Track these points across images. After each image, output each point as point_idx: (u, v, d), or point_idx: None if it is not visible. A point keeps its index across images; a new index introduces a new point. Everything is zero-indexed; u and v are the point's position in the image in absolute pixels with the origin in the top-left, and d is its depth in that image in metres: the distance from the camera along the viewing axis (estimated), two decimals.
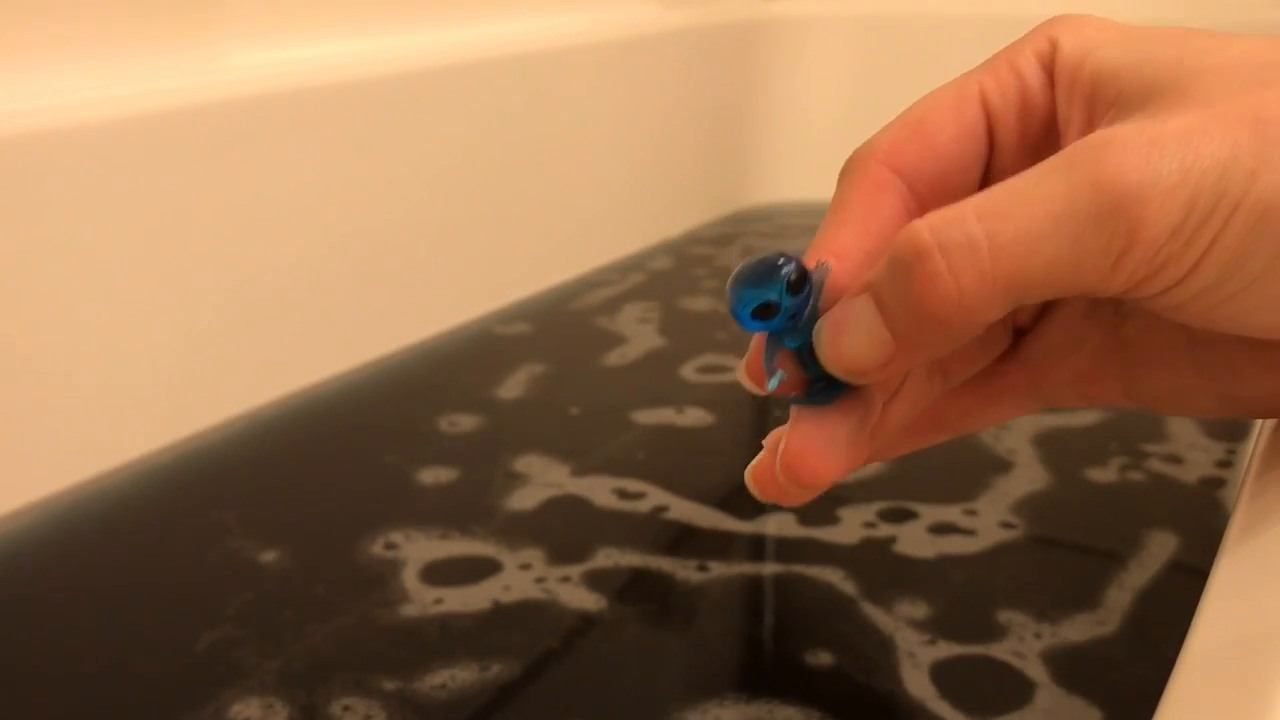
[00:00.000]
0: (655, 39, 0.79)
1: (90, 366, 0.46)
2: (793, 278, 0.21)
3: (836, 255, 0.23)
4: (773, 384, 0.23)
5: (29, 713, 0.34)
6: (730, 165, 0.90)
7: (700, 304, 0.69)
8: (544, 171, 0.69)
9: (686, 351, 0.60)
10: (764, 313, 0.22)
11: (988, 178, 0.25)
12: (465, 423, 0.52)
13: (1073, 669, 0.34)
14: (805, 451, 0.22)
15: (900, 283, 0.20)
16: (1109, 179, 0.19)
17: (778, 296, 0.21)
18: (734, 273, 0.22)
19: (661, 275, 0.75)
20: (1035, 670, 0.34)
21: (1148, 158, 0.19)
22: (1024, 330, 0.27)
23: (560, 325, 0.66)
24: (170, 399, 0.49)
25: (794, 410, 0.23)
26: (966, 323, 0.20)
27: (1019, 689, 0.33)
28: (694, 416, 0.52)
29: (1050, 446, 0.48)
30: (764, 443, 0.24)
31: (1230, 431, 0.49)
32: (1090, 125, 0.22)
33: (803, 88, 0.91)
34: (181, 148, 0.48)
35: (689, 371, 0.58)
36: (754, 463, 0.24)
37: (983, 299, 0.20)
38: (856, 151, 0.25)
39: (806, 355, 0.22)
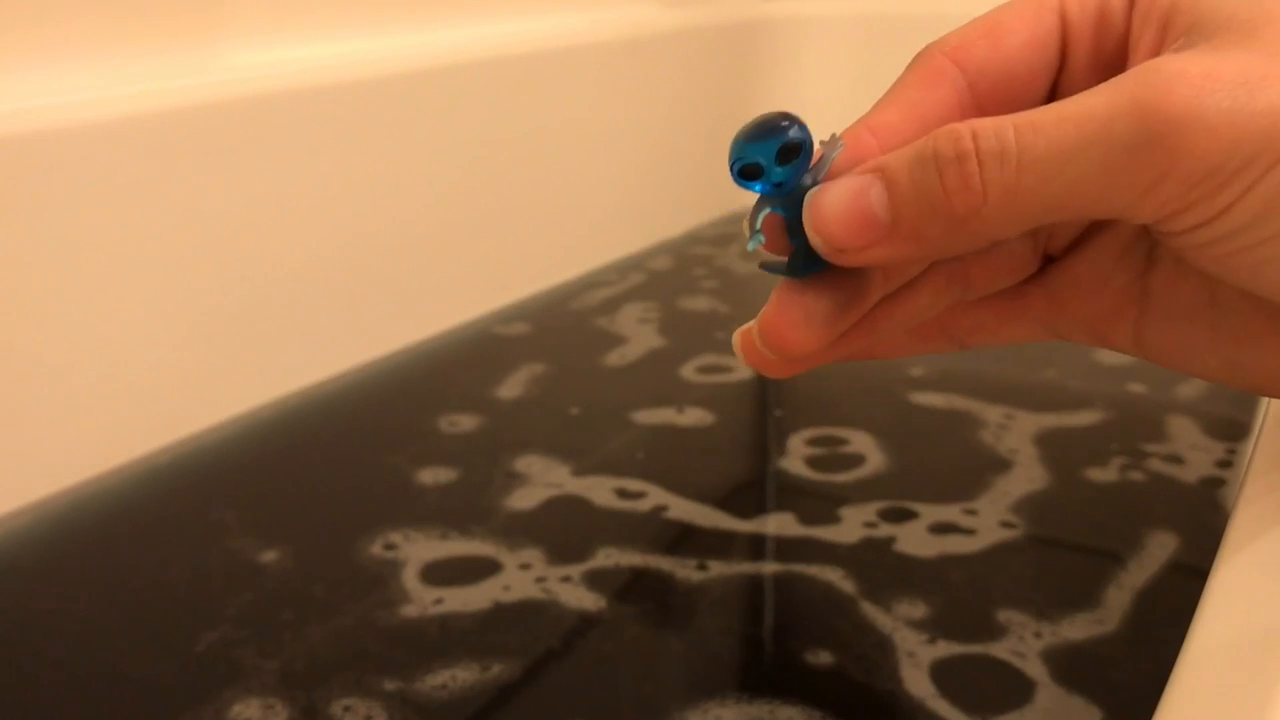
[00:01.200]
0: (655, 39, 0.79)
1: (90, 366, 0.46)
2: (787, 144, 0.21)
3: (875, 131, 0.23)
4: (752, 244, 0.23)
5: (28, 713, 0.34)
6: None
7: (700, 304, 0.69)
8: (544, 171, 0.69)
9: (686, 351, 0.60)
10: (753, 173, 0.21)
11: (1056, 92, 0.24)
12: (465, 423, 0.52)
13: (1073, 668, 0.34)
14: (779, 320, 0.23)
15: (929, 175, 0.20)
16: (1153, 105, 0.18)
17: (766, 161, 0.21)
18: (744, 124, 0.21)
19: (661, 275, 0.75)
20: (1035, 669, 0.34)
21: (1199, 90, 0.18)
22: (1053, 258, 0.26)
23: (560, 325, 0.66)
24: (170, 399, 0.49)
25: (781, 280, 0.23)
26: (980, 233, 0.20)
27: (1019, 688, 0.33)
28: (694, 416, 0.52)
29: (1051, 446, 0.48)
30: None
31: (1230, 431, 0.49)
32: (1158, 50, 0.22)
33: (802, 88, 0.91)
34: (181, 148, 0.48)
35: (689, 371, 0.58)
36: (740, 329, 0.24)
37: (1003, 213, 0.20)
38: (928, 46, 0.24)
39: (793, 224, 0.22)
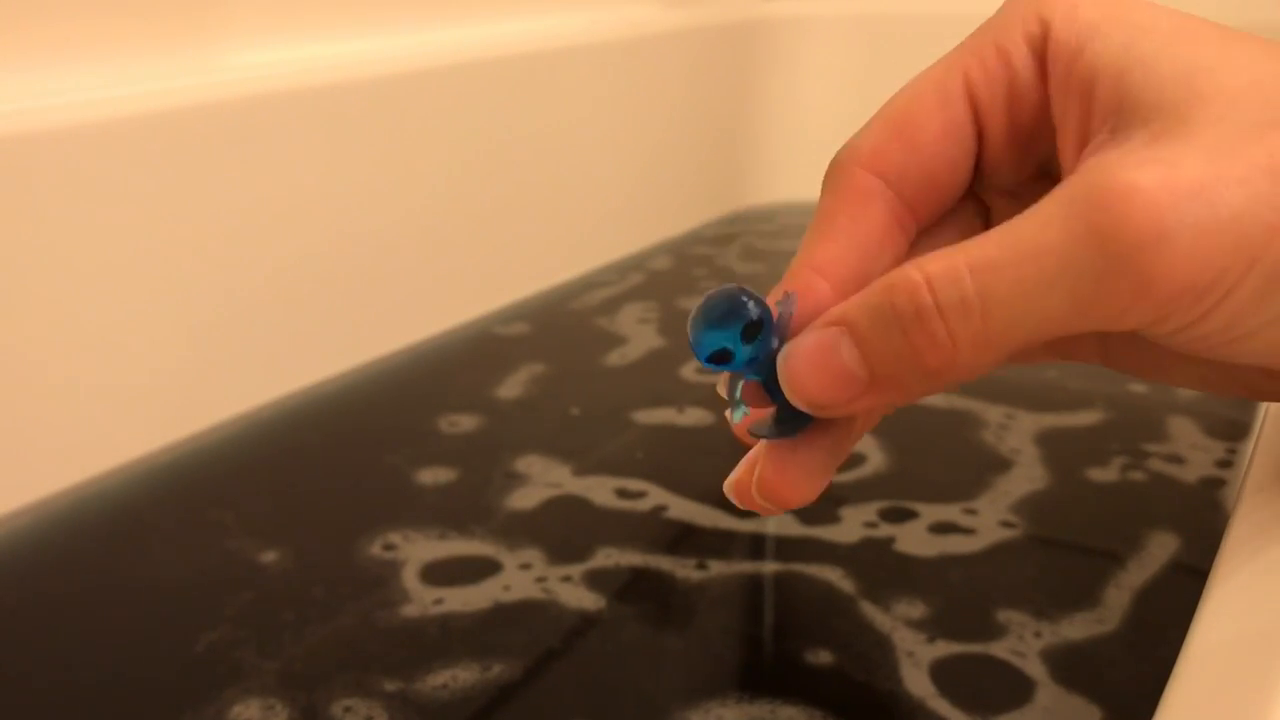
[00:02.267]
0: (655, 39, 0.79)
1: (90, 366, 0.46)
2: (750, 320, 0.21)
3: (822, 270, 0.22)
4: (737, 417, 0.23)
5: (28, 713, 0.34)
6: (730, 165, 0.90)
7: None
8: (544, 171, 0.69)
9: (686, 352, 0.60)
10: (721, 358, 0.21)
11: (979, 171, 0.24)
12: (465, 423, 0.52)
13: (1072, 668, 0.34)
14: (780, 482, 0.22)
15: (894, 334, 0.19)
16: (1112, 231, 0.18)
17: (733, 344, 0.21)
18: (695, 309, 0.21)
19: (661, 275, 0.75)
20: (1035, 669, 0.34)
21: (1159, 207, 0.18)
22: None
23: (560, 325, 0.66)
24: (170, 399, 0.49)
25: (766, 443, 0.23)
26: (958, 378, 0.20)
27: (1019, 688, 0.33)
28: (694, 416, 0.52)
29: (1051, 446, 0.48)
30: (742, 459, 0.24)
31: (1230, 431, 0.49)
32: (1086, 126, 0.21)
33: (802, 88, 0.91)
34: (181, 148, 0.48)
35: (689, 372, 0.58)
36: (731, 477, 0.24)
37: (976, 359, 0.19)
38: (838, 156, 0.24)
39: (772, 386, 0.22)
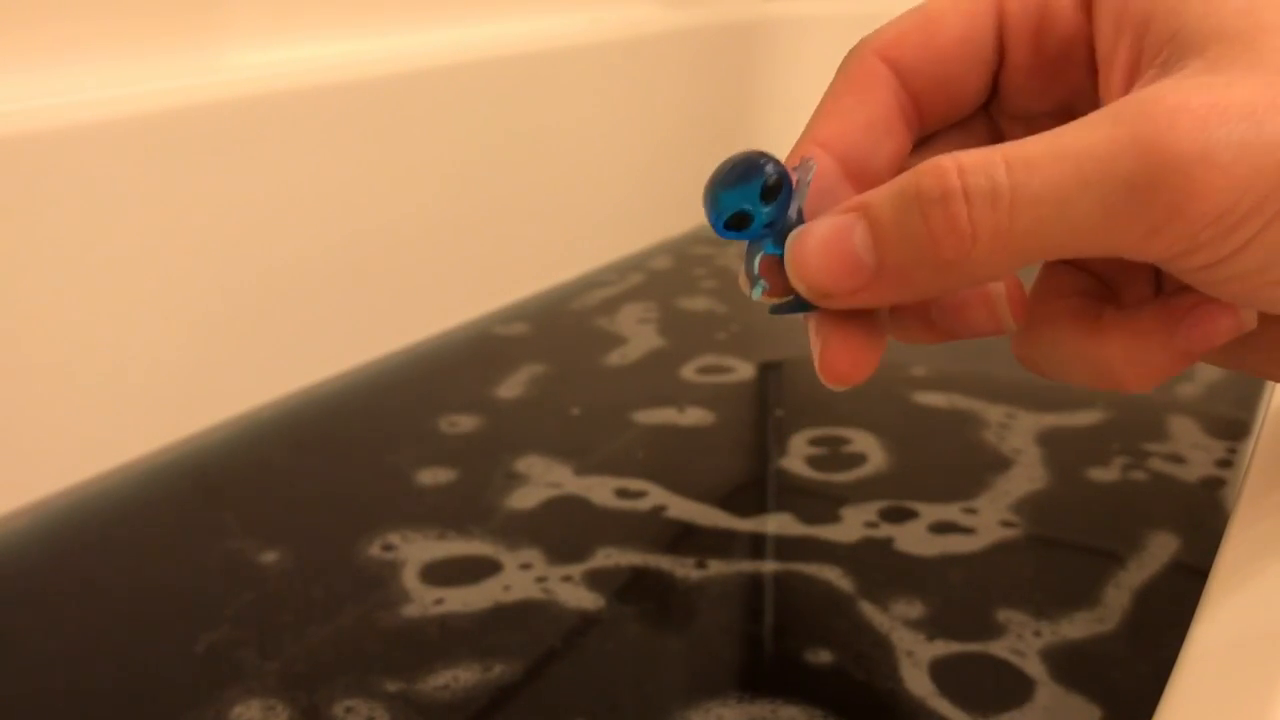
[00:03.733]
0: (655, 39, 0.79)
1: (90, 366, 0.46)
2: (769, 182, 0.20)
3: (825, 145, 0.22)
4: (756, 293, 0.22)
5: (28, 714, 0.34)
6: None
7: (700, 304, 0.69)
8: (544, 171, 0.69)
9: (686, 352, 0.60)
10: (739, 222, 0.20)
11: (996, 92, 0.24)
12: (465, 423, 0.52)
13: (1072, 667, 0.34)
14: (837, 361, 0.21)
15: (913, 217, 0.19)
16: (1158, 143, 0.17)
17: (752, 205, 0.20)
18: (711, 175, 0.20)
19: (661, 275, 0.75)
20: (1034, 668, 0.34)
21: (1205, 124, 0.17)
22: None
23: (560, 325, 0.66)
24: (170, 399, 0.49)
25: (812, 319, 0.22)
26: (969, 275, 0.19)
27: (1018, 687, 0.33)
28: (695, 416, 0.52)
29: (1052, 445, 0.48)
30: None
31: (1230, 431, 0.49)
32: (1137, 62, 0.20)
33: (802, 88, 0.91)
34: (181, 148, 0.48)
35: (689, 372, 0.58)
36: (822, 357, 0.22)
37: (994, 256, 0.18)
38: (859, 42, 0.23)
39: None
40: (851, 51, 0.23)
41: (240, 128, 0.50)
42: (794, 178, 0.21)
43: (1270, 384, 0.48)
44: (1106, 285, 0.23)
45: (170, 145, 0.48)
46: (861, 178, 0.23)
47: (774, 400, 0.55)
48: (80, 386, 0.46)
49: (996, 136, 0.25)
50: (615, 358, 0.60)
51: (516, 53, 0.66)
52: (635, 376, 0.58)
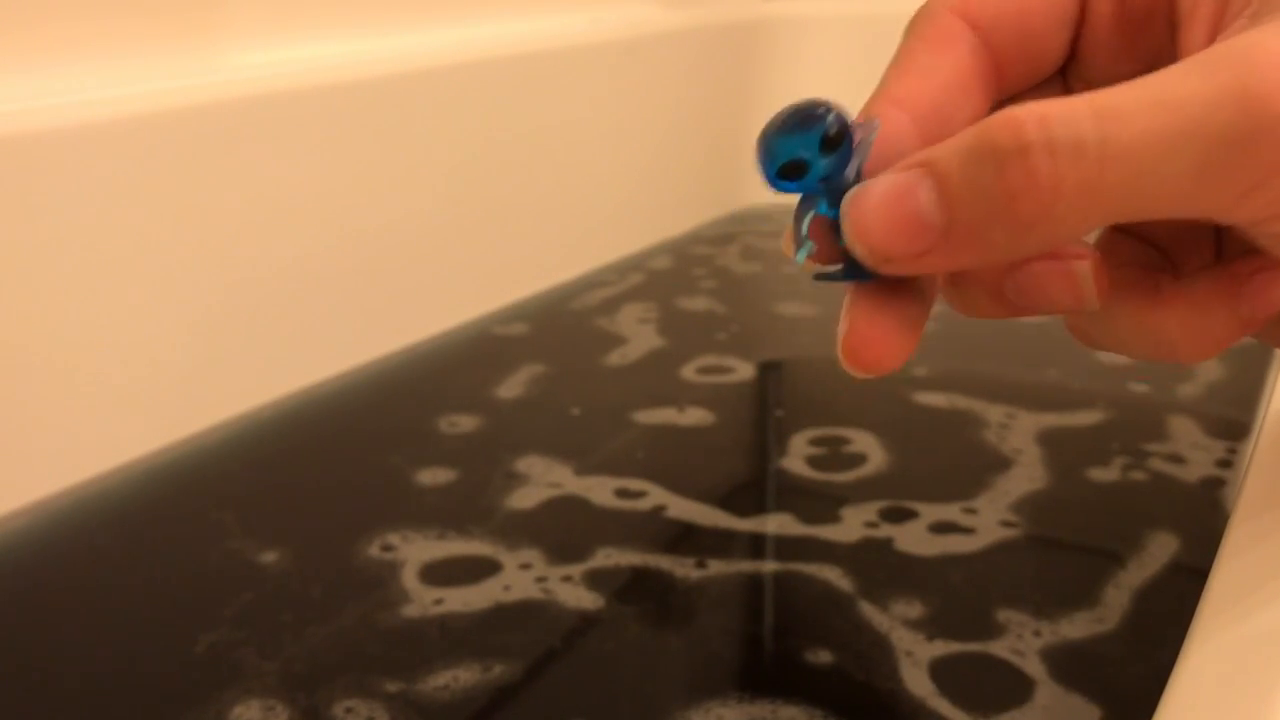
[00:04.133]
0: (655, 39, 0.79)
1: (90, 366, 0.46)
2: (830, 132, 0.18)
3: (900, 103, 0.20)
4: (800, 256, 0.20)
5: (28, 714, 0.34)
6: (730, 165, 0.90)
7: (700, 304, 0.69)
8: (544, 171, 0.69)
9: (686, 352, 0.60)
10: (794, 171, 0.19)
11: (1076, 52, 0.22)
12: (465, 423, 0.52)
13: (1072, 666, 0.34)
14: (867, 339, 0.20)
15: (986, 172, 0.17)
16: (1262, 94, 0.16)
17: (810, 154, 0.18)
18: (768, 122, 0.19)
19: (661, 275, 0.75)
20: (1034, 668, 0.34)
21: None
22: None
23: (560, 325, 0.66)
24: (170, 399, 0.49)
25: (849, 292, 0.20)
26: (1048, 234, 0.17)
27: (1018, 686, 0.33)
28: (695, 416, 0.52)
29: (1052, 445, 0.48)
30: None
31: (1230, 431, 0.49)
32: (1221, 15, 0.19)
33: (802, 88, 0.91)
34: (181, 148, 0.48)
35: (689, 372, 0.58)
36: (846, 336, 0.20)
37: (1079, 211, 0.17)
38: (927, 3, 0.22)
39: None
40: (923, 10, 0.22)
41: (240, 128, 0.50)
42: (856, 136, 0.19)
43: (1270, 384, 0.49)
44: (1163, 253, 0.22)
45: (170, 145, 0.48)
46: (937, 141, 0.21)
47: (774, 400, 0.55)
48: (80, 386, 0.46)
49: None
50: (615, 358, 0.60)
51: (516, 53, 0.66)
52: (635, 376, 0.58)
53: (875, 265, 0.19)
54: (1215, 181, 0.16)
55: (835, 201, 0.19)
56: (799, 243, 0.20)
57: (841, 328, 0.20)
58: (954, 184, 0.17)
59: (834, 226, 0.19)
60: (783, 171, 0.19)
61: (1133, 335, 0.21)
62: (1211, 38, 0.20)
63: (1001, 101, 0.23)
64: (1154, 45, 0.22)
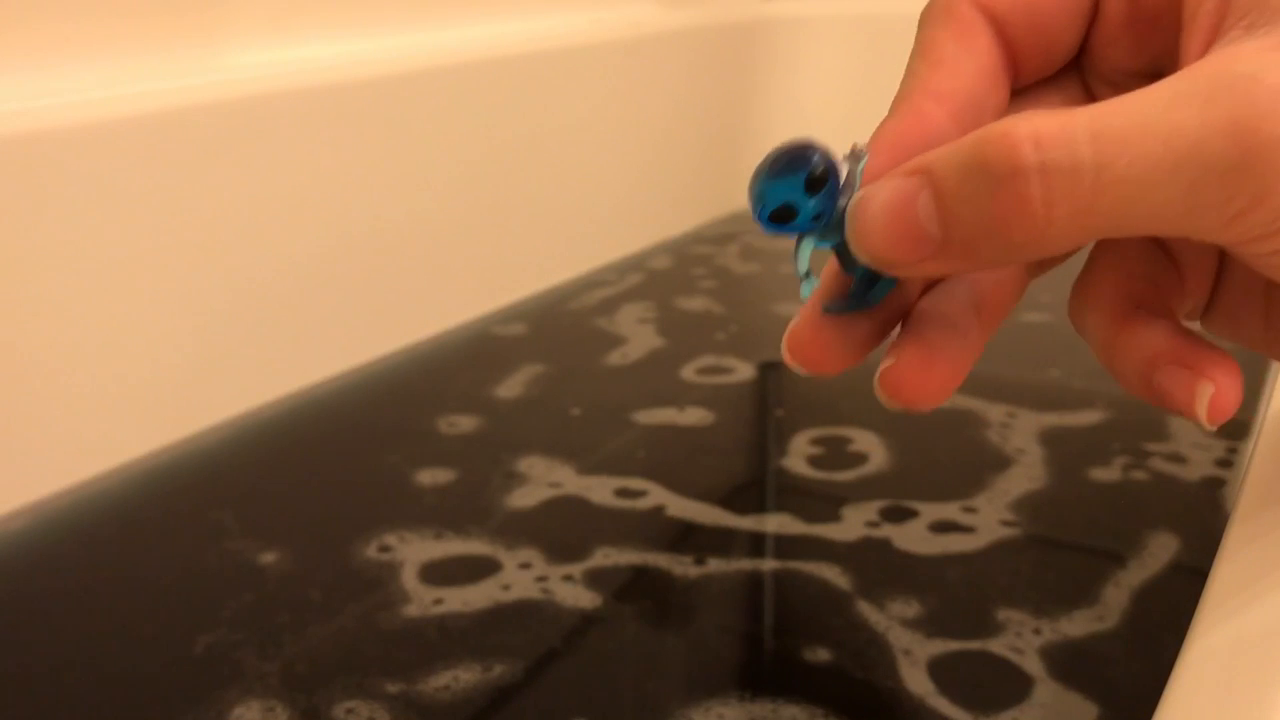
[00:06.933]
0: (655, 39, 0.79)
1: (90, 366, 0.46)
2: (816, 173, 0.19)
3: (937, 97, 0.21)
4: (807, 290, 0.20)
5: (28, 714, 0.34)
6: (730, 165, 0.90)
7: (699, 304, 0.69)
8: (544, 171, 0.69)
9: (686, 352, 0.60)
10: (785, 215, 0.19)
11: (1088, 46, 0.23)
12: (464, 423, 0.52)
13: (1071, 665, 0.34)
14: (909, 381, 0.20)
15: (980, 189, 0.17)
16: (1253, 127, 0.16)
17: (797, 197, 0.19)
18: (757, 167, 0.19)
19: (661, 275, 0.75)
20: (1034, 666, 0.34)
21: None
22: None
23: (559, 326, 0.66)
24: (170, 399, 0.49)
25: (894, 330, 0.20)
26: (1040, 251, 0.18)
27: (1017, 685, 0.33)
28: (695, 416, 0.52)
29: (1053, 445, 0.48)
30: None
31: (1231, 431, 0.49)
32: (1222, 19, 0.20)
33: (802, 88, 0.91)
34: (181, 148, 0.48)
35: (689, 372, 0.58)
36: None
37: (1069, 233, 0.17)
38: None
39: (844, 253, 0.20)
40: (934, 3, 0.22)
41: (240, 128, 0.50)
42: (843, 169, 0.20)
43: (1270, 384, 0.48)
44: (1169, 254, 0.22)
45: (170, 145, 0.48)
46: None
47: (774, 400, 0.55)
48: (80, 386, 0.46)
49: (1089, 97, 0.24)
50: (615, 358, 0.60)
51: (516, 53, 0.66)
52: (635, 376, 0.58)
53: (880, 269, 0.19)
54: (1202, 208, 0.17)
55: (831, 233, 0.20)
56: (803, 278, 0.20)
57: (885, 361, 0.21)
58: (950, 198, 0.18)
59: (832, 259, 0.20)
60: (774, 216, 0.19)
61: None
62: (1210, 40, 0.20)
63: (1016, 93, 0.23)
64: (1163, 43, 0.22)
